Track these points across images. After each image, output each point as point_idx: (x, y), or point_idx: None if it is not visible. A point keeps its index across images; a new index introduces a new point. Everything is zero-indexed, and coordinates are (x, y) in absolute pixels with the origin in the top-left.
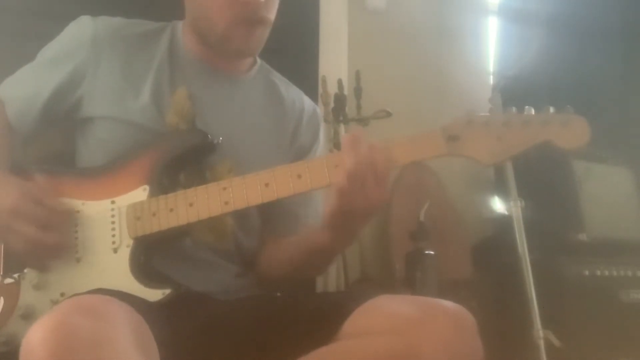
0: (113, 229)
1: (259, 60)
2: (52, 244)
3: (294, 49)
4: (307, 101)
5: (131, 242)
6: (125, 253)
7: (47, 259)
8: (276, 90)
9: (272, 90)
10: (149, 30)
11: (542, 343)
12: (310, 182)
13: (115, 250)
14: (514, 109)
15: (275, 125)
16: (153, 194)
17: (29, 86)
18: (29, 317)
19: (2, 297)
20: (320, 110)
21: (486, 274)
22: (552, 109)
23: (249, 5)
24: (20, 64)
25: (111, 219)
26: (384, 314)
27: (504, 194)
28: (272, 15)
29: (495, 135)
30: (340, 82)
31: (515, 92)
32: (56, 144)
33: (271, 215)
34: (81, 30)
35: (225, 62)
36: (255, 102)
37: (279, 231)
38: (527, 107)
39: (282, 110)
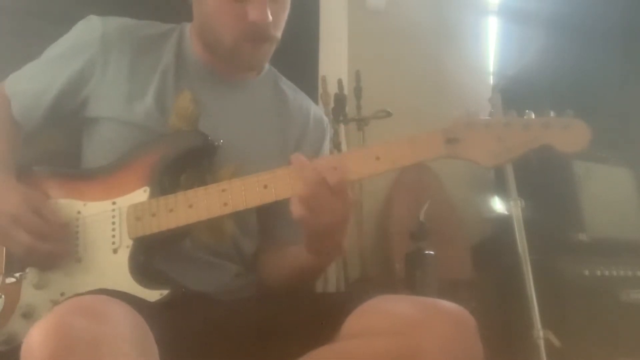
0: (113, 230)
1: (267, 65)
2: (47, 254)
3: (294, 48)
4: (314, 108)
5: (131, 242)
6: (124, 254)
7: (43, 266)
8: (282, 96)
9: (279, 96)
10: (157, 32)
11: (542, 343)
12: None
13: (115, 251)
14: (514, 113)
15: (281, 131)
16: (153, 195)
17: (36, 82)
18: (29, 316)
19: (3, 296)
20: (326, 118)
21: (486, 274)
22: (552, 113)
23: (257, 24)
24: (21, 64)
25: (112, 219)
26: (383, 314)
27: (504, 194)
28: (279, 32)
29: (495, 138)
30: (340, 82)
31: (515, 92)
32: (61, 143)
33: (271, 223)
34: (90, 29)
35: (232, 69)
36: (260, 107)
37: (278, 239)
38: (527, 111)
39: (287, 116)
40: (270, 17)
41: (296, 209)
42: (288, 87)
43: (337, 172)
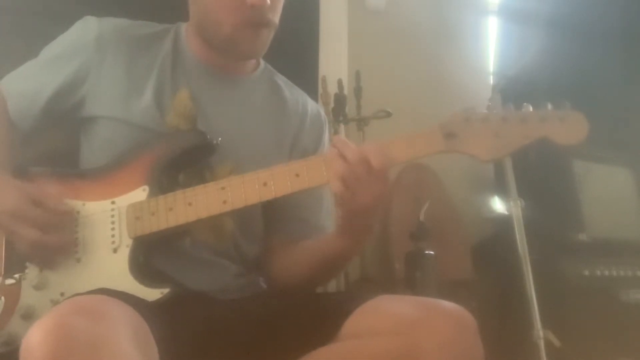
0: (113, 229)
1: (262, 62)
2: (54, 245)
3: (294, 49)
4: (311, 103)
5: (130, 242)
6: (124, 253)
7: (50, 259)
8: (279, 92)
9: (275, 92)
10: (153, 31)
11: (542, 343)
12: (308, 181)
13: (115, 250)
14: (511, 106)
15: (278, 127)
16: (152, 194)
17: (31, 83)
18: (29, 317)
19: (2, 298)
20: (323, 112)
21: (486, 274)
22: (549, 106)
23: (255, 8)
24: (22, 64)
25: (111, 219)
26: (384, 314)
27: (504, 194)
28: (277, 17)
29: (493, 132)
30: (340, 82)
31: (515, 93)
32: (59, 143)
33: (278, 220)
34: (86, 30)
35: (229, 64)
36: (257, 104)
37: (288, 237)
38: (524, 104)
39: (284, 112)
40: (269, 1)
41: (335, 185)
42: (284, 83)
43: (381, 154)
